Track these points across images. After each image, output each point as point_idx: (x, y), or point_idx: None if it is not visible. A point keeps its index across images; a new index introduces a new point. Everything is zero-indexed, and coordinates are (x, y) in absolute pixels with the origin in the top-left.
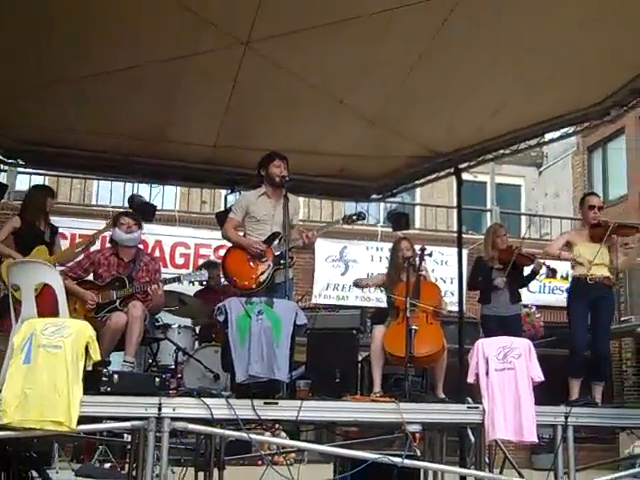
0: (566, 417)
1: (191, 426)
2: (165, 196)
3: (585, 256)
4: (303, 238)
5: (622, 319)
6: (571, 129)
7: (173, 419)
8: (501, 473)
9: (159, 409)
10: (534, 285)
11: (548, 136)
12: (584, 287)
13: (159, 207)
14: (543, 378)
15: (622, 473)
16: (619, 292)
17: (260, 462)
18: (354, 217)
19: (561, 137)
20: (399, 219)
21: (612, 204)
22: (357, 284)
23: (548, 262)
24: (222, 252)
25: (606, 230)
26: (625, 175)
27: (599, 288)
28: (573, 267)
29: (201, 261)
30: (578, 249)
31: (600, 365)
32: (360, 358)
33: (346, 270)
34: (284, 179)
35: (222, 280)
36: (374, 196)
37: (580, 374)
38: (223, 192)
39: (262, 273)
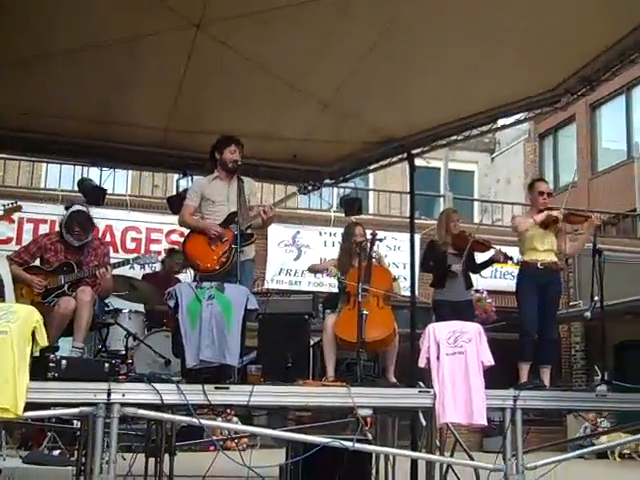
0: (515, 400)
1: (141, 411)
2: (116, 180)
3: (534, 241)
4: (260, 214)
5: (571, 304)
6: (523, 116)
7: (122, 405)
8: (452, 456)
9: (108, 395)
10: (486, 270)
11: (500, 122)
12: (533, 272)
13: (110, 191)
14: (493, 362)
15: (570, 454)
16: (568, 278)
17: (212, 448)
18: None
19: (513, 123)
20: (352, 204)
21: (562, 191)
22: (312, 269)
23: (504, 249)
24: (174, 237)
25: (554, 217)
26: (575, 162)
27: (548, 273)
28: (522, 253)
29: (153, 246)
30: (527, 235)
31: (548, 349)
32: (312, 343)
33: (299, 255)
34: (236, 164)
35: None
36: (327, 181)
37: (529, 357)
38: (175, 176)
39: (224, 254)
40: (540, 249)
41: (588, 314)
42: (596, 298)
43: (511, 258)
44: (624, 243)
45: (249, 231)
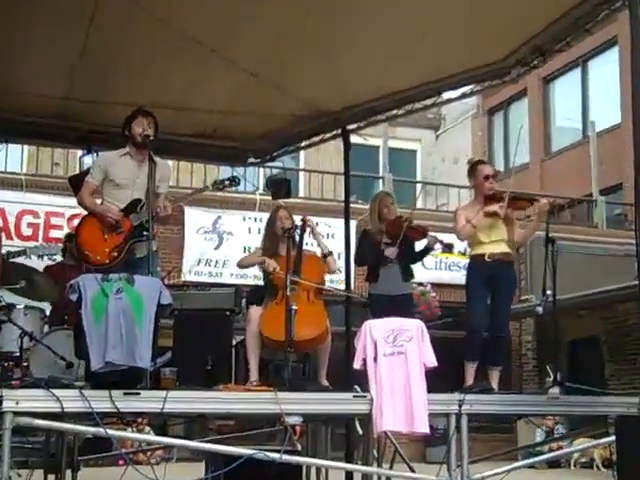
0: (460, 405)
1: (38, 421)
2: (9, 157)
3: (479, 234)
4: (161, 209)
5: (522, 298)
6: (470, 89)
7: (16, 414)
8: (391, 468)
9: None
10: (429, 261)
11: (446, 95)
12: (482, 265)
13: (2, 169)
14: (436, 363)
15: (519, 463)
16: (519, 269)
17: (121, 462)
18: (226, 182)
19: (459, 97)
20: (279, 186)
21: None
22: (243, 264)
23: (442, 236)
24: (77, 222)
25: (500, 202)
26: (528, 141)
27: (498, 266)
28: (470, 246)
29: (53, 232)
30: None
31: (497, 348)
32: (234, 342)
33: (220, 243)
34: (147, 139)
35: None
36: (252, 160)
37: (476, 357)
38: (78, 153)
39: (116, 247)
40: (486, 241)
41: (540, 309)
42: (548, 292)
43: (450, 246)
44: (579, 231)
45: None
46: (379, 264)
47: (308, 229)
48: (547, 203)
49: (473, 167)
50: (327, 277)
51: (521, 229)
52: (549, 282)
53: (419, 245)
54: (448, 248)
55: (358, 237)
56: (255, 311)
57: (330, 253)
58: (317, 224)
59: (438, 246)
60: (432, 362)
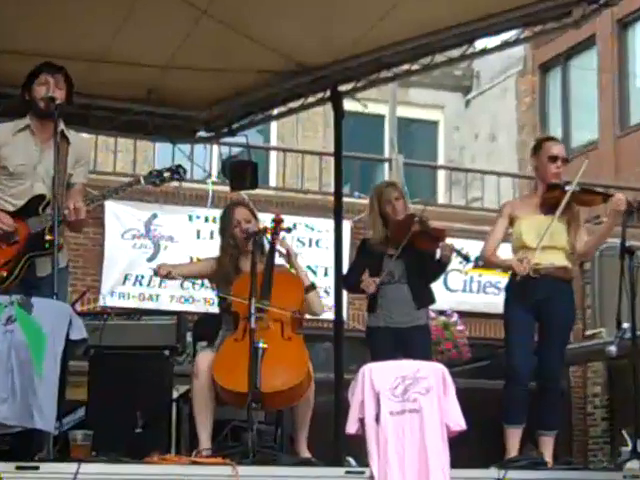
0: None
1: None
2: None
3: (529, 236)
4: (70, 212)
5: (587, 333)
6: (515, 35)
7: None
8: None
9: None
10: (455, 280)
11: (479, 45)
12: (526, 283)
13: None
14: (464, 426)
15: None
16: (583, 292)
17: None
18: (165, 174)
19: (500, 47)
20: (241, 172)
21: (575, 155)
22: (158, 272)
23: (475, 245)
24: None
25: (562, 196)
26: (596, 111)
27: (549, 284)
28: (514, 253)
29: None
30: (520, 226)
31: (551, 405)
32: (176, 395)
33: (156, 252)
34: (53, 103)
35: None
36: (202, 134)
37: (520, 419)
38: None
39: (6, 262)
40: (533, 246)
41: (613, 349)
42: (625, 325)
43: (467, 258)
44: None
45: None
46: (378, 285)
47: (282, 235)
48: (624, 200)
49: (539, 143)
50: None
51: (586, 235)
52: (626, 310)
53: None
54: (466, 260)
55: (356, 251)
56: (205, 358)
57: (312, 287)
58: (294, 227)
59: (451, 257)
60: (459, 424)
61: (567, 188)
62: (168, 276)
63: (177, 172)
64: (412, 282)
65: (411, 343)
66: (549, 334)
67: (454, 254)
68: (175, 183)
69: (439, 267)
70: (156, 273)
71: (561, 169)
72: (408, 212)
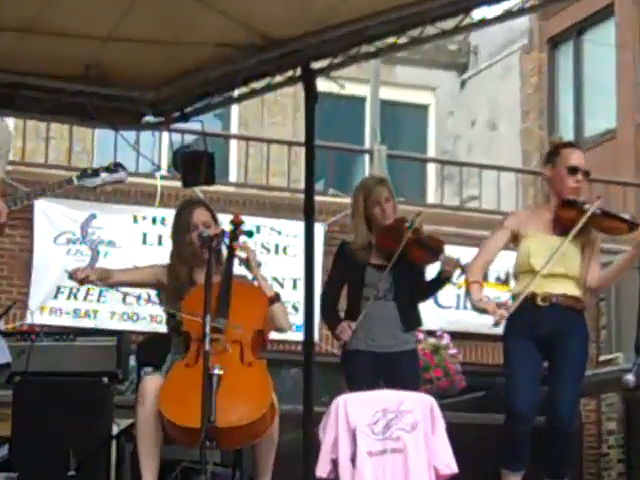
0: None
1: None
2: None
3: (538, 259)
4: None
5: (601, 359)
6: (518, 4)
7: None
8: None
9: None
10: (447, 295)
11: (477, 15)
12: (532, 312)
13: None
14: (456, 469)
15: None
16: (598, 313)
17: None
18: (102, 175)
19: (502, 17)
20: (196, 165)
21: (589, 146)
22: (74, 275)
23: (470, 252)
24: None
25: (580, 215)
26: (614, 94)
27: (559, 315)
28: (516, 277)
29: None
30: (527, 246)
31: (558, 448)
32: (116, 430)
33: (95, 260)
34: None
35: None
36: (149, 119)
37: (521, 464)
38: None
39: None
40: (543, 271)
41: (631, 378)
42: None
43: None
44: None
45: None
46: (359, 300)
47: (242, 239)
48: None
49: (556, 149)
50: None
51: (598, 266)
52: None
53: (430, 270)
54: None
55: (333, 258)
56: (152, 383)
57: (277, 297)
58: (257, 231)
59: (455, 272)
60: (449, 466)
61: (586, 207)
62: (85, 281)
63: (116, 171)
64: (400, 299)
65: (396, 371)
66: (560, 374)
67: (456, 268)
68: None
69: (436, 284)
70: (71, 277)
71: (582, 183)
72: (397, 216)
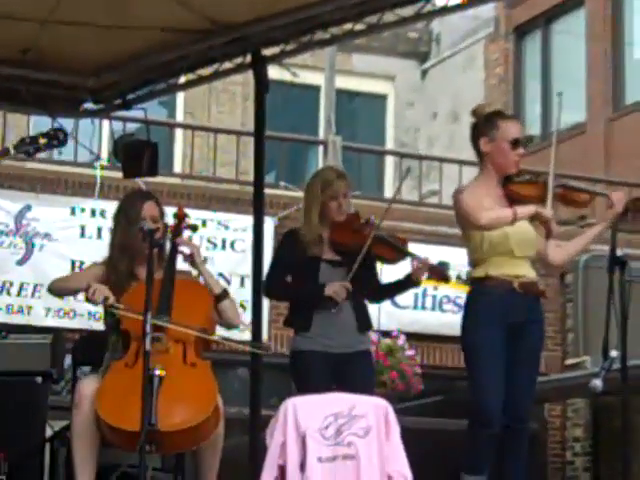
0: None
1: None
2: None
3: (507, 240)
4: None
5: (567, 362)
6: None
7: None
8: None
9: None
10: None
11: (439, 1)
12: (502, 300)
13: None
14: (410, 477)
15: None
16: (563, 311)
17: None
18: (41, 141)
19: (465, 5)
20: (137, 154)
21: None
22: (54, 290)
23: (433, 250)
24: None
25: (541, 191)
26: (584, 86)
27: (526, 301)
28: (476, 262)
29: None
30: (503, 228)
31: (516, 451)
32: (50, 433)
33: (29, 254)
34: None
35: None
36: (89, 106)
37: (485, 467)
38: None
39: None
40: (519, 255)
41: (598, 383)
42: (614, 353)
43: (443, 273)
44: None
45: None
46: (314, 298)
47: (186, 233)
48: (622, 199)
49: (490, 121)
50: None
51: (560, 240)
52: (615, 335)
53: (394, 270)
54: (442, 278)
55: (279, 242)
56: (88, 385)
57: (225, 294)
58: (203, 225)
59: (426, 273)
60: (403, 474)
61: (541, 180)
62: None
63: (56, 137)
64: (357, 299)
65: (352, 372)
66: (519, 363)
67: (425, 269)
68: (55, 167)
69: (402, 286)
70: (52, 291)
71: (521, 156)
72: (350, 211)
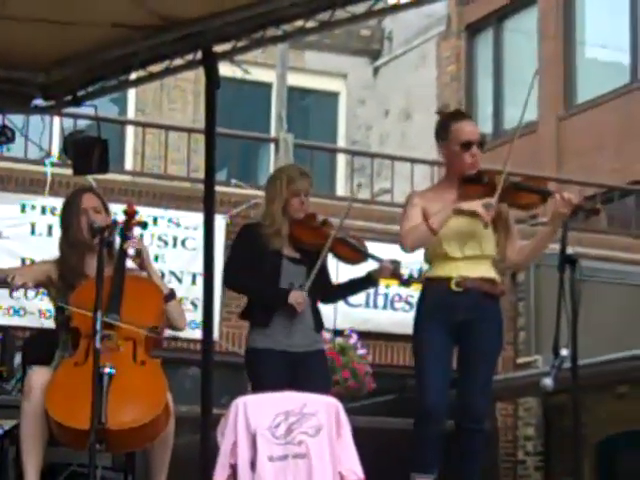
0: None
1: None
2: None
3: (451, 244)
4: None
5: (519, 361)
6: None
7: None
8: None
9: None
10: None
11: None
12: (445, 298)
13: None
14: (362, 475)
15: None
16: (515, 310)
17: None
18: None
19: (417, 2)
20: (88, 151)
21: (508, 138)
22: (12, 282)
23: (384, 249)
24: None
25: (492, 189)
26: (536, 86)
27: (474, 301)
28: (427, 261)
29: None
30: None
31: (470, 451)
32: (0, 432)
33: None
34: None
35: None
36: (39, 102)
37: (433, 467)
38: None
39: None
40: (457, 256)
41: (549, 382)
42: (564, 352)
43: (407, 282)
44: (620, 245)
45: None
46: (276, 302)
47: (136, 232)
48: (571, 199)
49: (442, 125)
50: None
51: (521, 240)
52: (566, 334)
53: (351, 269)
54: (402, 281)
55: (236, 236)
56: (39, 375)
57: (172, 295)
58: (153, 222)
59: (389, 272)
60: (355, 472)
61: (494, 182)
62: (25, 286)
63: (4, 134)
64: (313, 298)
65: (308, 371)
66: (472, 363)
67: (389, 269)
68: (5, 163)
69: (360, 287)
70: (7, 284)
71: (477, 156)
72: (310, 210)
